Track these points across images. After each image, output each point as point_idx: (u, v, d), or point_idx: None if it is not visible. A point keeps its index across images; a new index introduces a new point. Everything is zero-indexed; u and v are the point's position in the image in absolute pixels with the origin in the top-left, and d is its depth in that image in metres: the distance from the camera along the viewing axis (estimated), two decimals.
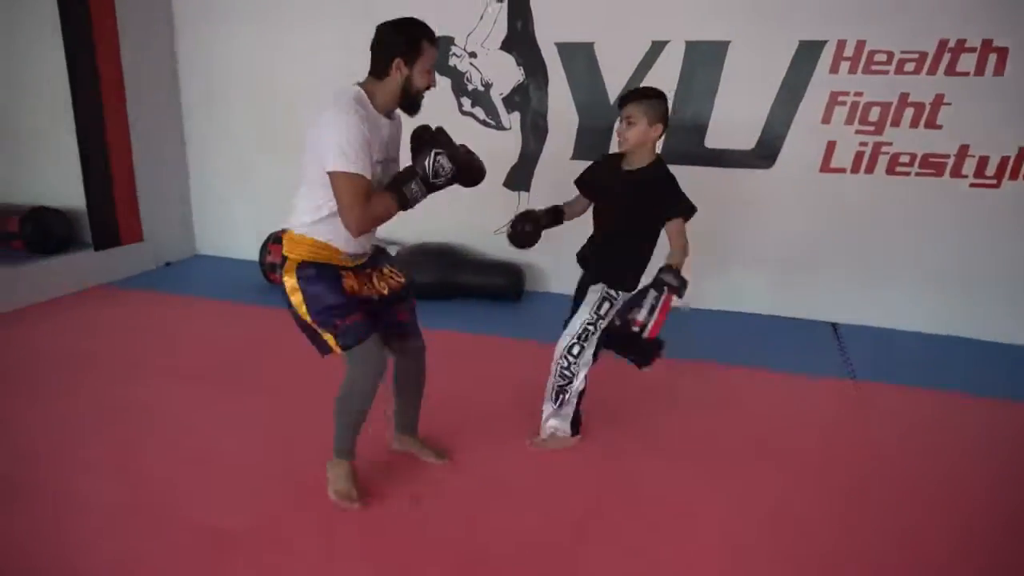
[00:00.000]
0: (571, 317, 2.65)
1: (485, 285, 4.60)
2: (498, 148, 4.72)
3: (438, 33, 4.90)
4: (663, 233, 2.47)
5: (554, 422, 2.73)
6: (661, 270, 2.33)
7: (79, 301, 4.46)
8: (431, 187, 2.05)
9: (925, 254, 4.11)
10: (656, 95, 2.41)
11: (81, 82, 4.69)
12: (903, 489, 2.54)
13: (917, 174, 4.00)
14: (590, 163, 2.77)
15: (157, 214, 5.32)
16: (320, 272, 2.10)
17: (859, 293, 4.30)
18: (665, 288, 2.29)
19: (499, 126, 4.71)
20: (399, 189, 2.01)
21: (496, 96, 4.64)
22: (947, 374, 3.59)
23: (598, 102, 4.43)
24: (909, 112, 3.91)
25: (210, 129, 5.46)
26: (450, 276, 4.56)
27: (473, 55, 4.58)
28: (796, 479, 2.59)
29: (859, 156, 4.08)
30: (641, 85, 2.58)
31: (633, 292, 2.44)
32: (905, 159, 4.00)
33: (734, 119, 4.21)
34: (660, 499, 2.45)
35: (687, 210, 2.42)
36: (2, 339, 3.79)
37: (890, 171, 4.04)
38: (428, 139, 2.08)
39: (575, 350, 2.58)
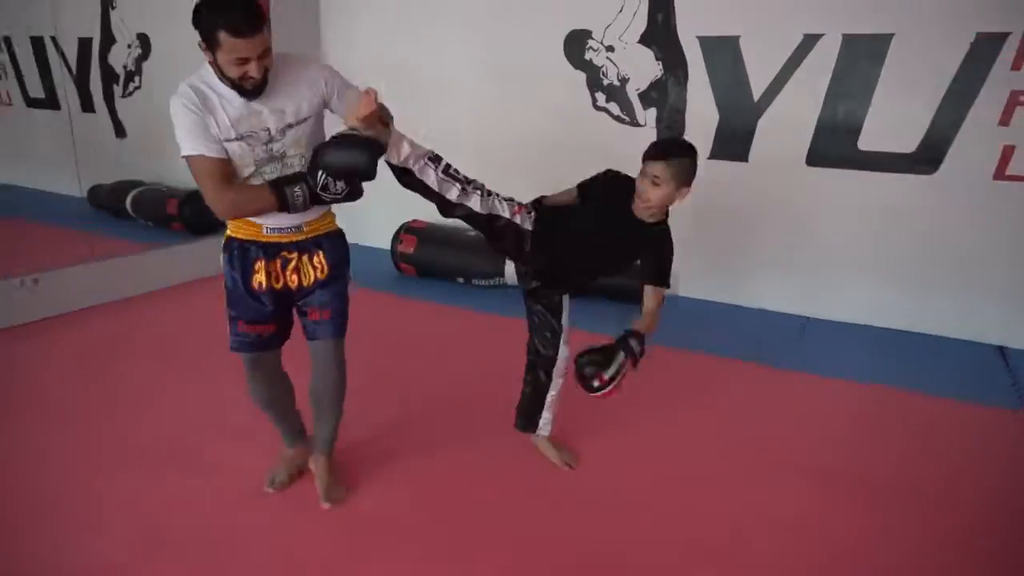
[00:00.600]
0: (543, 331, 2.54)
1: (612, 285, 4.50)
2: (632, 144, 4.55)
3: (576, 27, 4.82)
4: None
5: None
6: (629, 335, 2.15)
7: (211, 285, 4.75)
8: (316, 198, 1.96)
9: None
10: (689, 152, 2.12)
11: None
12: None
13: None
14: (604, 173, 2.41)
15: None
16: (235, 258, 2.08)
17: None
18: (630, 352, 2.12)
19: (634, 122, 4.57)
20: (281, 189, 1.92)
21: (632, 91, 4.50)
22: None
23: (741, 99, 4.21)
24: None
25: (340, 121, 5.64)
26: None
27: (610, 49, 4.46)
28: (947, 514, 2.35)
29: None
30: (672, 137, 2.33)
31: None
32: None
33: (893, 120, 3.86)
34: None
35: (665, 284, 2.25)
36: (167, 311, 4.16)
37: None
38: (322, 151, 1.91)
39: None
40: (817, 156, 4.08)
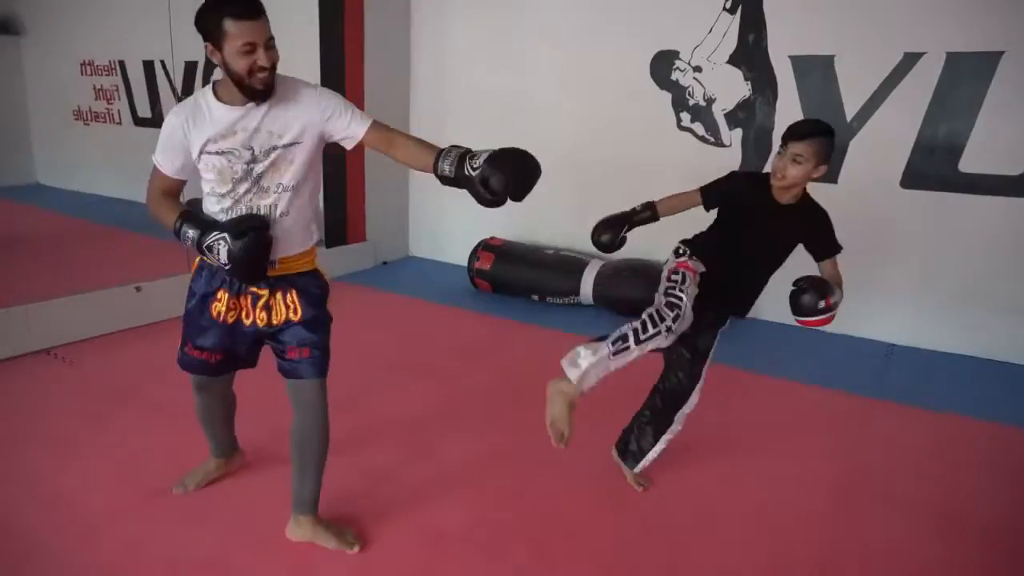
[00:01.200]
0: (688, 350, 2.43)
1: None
2: (715, 165, 4.49)
3: (664, 47, 4.82)
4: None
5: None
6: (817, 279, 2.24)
7: None
8: (197, 246, 1.87)
9: None
10: (829, 131, 2.18)
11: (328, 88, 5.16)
12: None
13: None
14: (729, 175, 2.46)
15: (379, 217, 5.74)
16: (203, 279, 2.03)
17: None
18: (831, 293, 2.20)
19: (718, 143, 4.51)
20: (178, 222, 1.89)
21: (718, 111, 4.45)
22: None
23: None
24: None
25: (429, 134, 5.74)
26: (652, 293, 4.42)
27: (698, 69, 4.43)
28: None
29: None
30: (809, 118, 2.35)
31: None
32: None
33: (998, 141, 3.68)
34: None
35: (840, 248, 2.32)
36: None
37: None
38: (225, 225, 1.84)
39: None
40: (913, 178, 3.93)
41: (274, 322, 2.00)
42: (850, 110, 4.03)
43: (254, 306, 2.00)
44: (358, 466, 2.62)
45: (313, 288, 2.05)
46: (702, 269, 2.31)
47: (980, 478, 2.71)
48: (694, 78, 4.46)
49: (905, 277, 4.09)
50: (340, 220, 5.46)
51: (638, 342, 2.17)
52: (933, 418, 3.20)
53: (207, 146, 1.86)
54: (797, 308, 2.21)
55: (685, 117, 4.57)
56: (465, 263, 5.07)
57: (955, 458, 2.86)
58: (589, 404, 2.27)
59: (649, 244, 4.74)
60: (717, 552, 2.22)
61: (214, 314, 2.01)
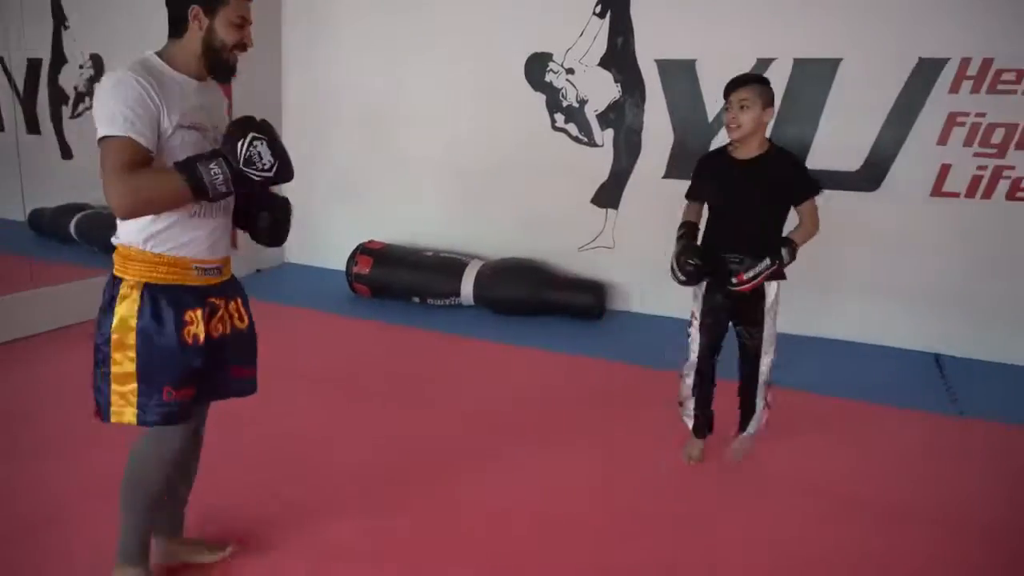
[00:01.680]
0: (719, 336, 2.62)
1: (569, 302, 4.54)
2: (589, 165, 4.69)
3: (537, 50, 4.93)
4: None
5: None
6: (783, 242, 2.37)
7: None
8: (240, 177, 1.58)
9: None
10: (764, 80, 2.37)
11: None
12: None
13: None
14: (695, 175, 2.64)
15: None
16: (162, 307, 1.66)
17: (967, 324, 4.03)
18: (779, 260, 2.34)
19: (591, 143, 4.66)
20: (192, 167, 1.54)
21: (591, 112, 4.60)
22: None
23: (696, 120, 4.35)
24: None
25: (307, 139, 5.61)
26: (535, 293, 4.51)
27: (570, 71, 4.57)
28: (899, 523, 2.41)
29: (976, 180, 3.85)
30: (743, 73, 2.44)
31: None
32: None
33: (840, 139, 4.05)
34: (764, 548, 2.32)
35: (817, 188, 2.41)
36: None
37: (1011, 196, 3.80)
38: (243, 122, 1.63)
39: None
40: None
41: (225, 333, 1.82)
42: (712, 112, 4.30)
43: (211, 318, 1.77)
44: (238, 483, 2.48)
45: (246, 297, 1.94)
46: (700, 282, 2.54)
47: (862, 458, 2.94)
48: (567, 80, 4.59)
49: None
50: None
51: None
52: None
53: (183, 119, 1.61)
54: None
55: (559, 118, 4.69)
56: (343, 268, 4.95)
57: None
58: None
59: (528, 243, 4.87)
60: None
61: (190, 340, 1.70)
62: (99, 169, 1.53)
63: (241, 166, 1.56)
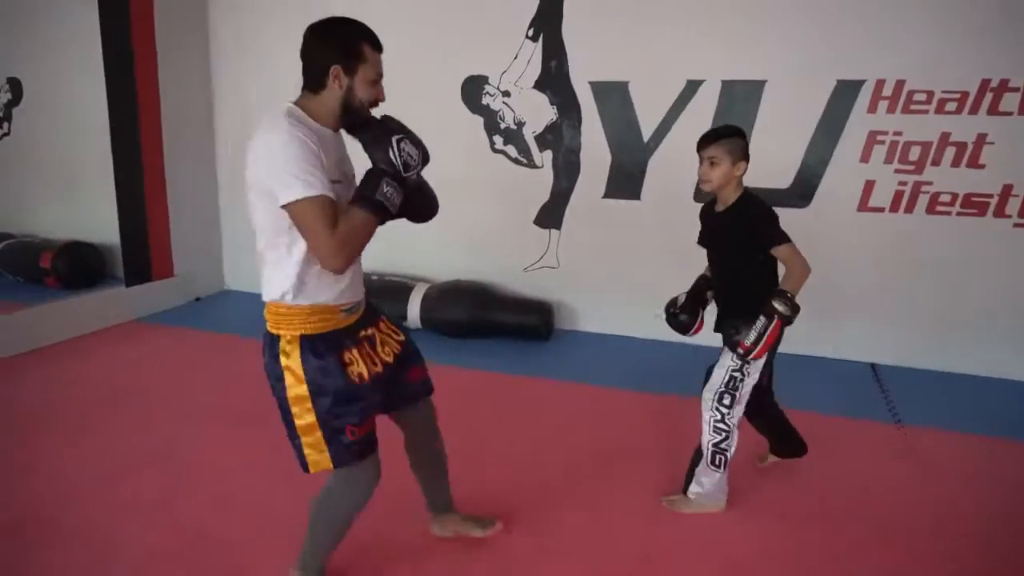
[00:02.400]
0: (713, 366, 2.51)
1: (515, 323, 4.56)
2: (529, 186, 4.73)
3: (473, 72, 4.97)
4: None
5: (708, 488, 2.51)
6: (773, 295, 2.24)
7: (110, 337, 4.46)
8: (404, 183, 1.67)
9: (967, 294, 4.02)
10: (736, 132, 2.35)
11: (119, 118, 4.77)
12: (957, 540, 2.43)
13: (958, 213, 3.93)
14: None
15: (189, 249, 5.36)
16: (327, 356, 1.74)
17: (899, 333, 4.20)
18: (775, 315, 2.21)
19: (531, 164, 4.71)
20: (371, 198, 1.61)
21: (529, 134, 4.65)
22: (991, 418, 3.48)
23: (632, 140, 4.43)
24: (950, 151, 3.86)
25: (240, 161, 5.49)
26: (481, 313, 4.52)
27: (507, 94, 4.61)
28: (842, 530, 2.49)
29: (898, 195, 4.02)
30: (724, 124, 2.46)
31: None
32: (946, 198, 3.94)
33: (770, 158, 4.13)
34: (705, 552, 2.36)
35: (783, 238, 2.28)
36: (36, 376, 3.78)
37: (930, 210, 3.98)
38: (380, 128, 1.68)
39: (726, 400, 2.41)
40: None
41: (396, 354, 1.95)
42: (646, 132, 4.38)
43: (373, 349, 1.88)
44: (172, 523, 2.43)
45: (381, 310, 2.03)
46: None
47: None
48: (504, 102, 4.63)
49: None
50: (142, 254, 5.03)
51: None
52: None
53: (333, 173, 1.66)
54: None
55: (498, 140, 4.72)
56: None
57: None
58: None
59: (473, 265, 4.88)
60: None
61: (356, 380, 1.77)
62: (265, 232, 1.67)
63: (403, 173, 1.65)
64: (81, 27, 4.74)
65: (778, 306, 2.21)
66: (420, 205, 1.90)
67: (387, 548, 2.31)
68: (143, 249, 5.02)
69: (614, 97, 4.41)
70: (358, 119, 1.72)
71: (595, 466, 2.91)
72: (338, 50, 1.66)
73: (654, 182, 4.45)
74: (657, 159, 4.41)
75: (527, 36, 4.48)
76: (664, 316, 2.66)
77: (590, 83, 4.44)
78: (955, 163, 3.87)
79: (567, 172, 4.64)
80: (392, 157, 1.63)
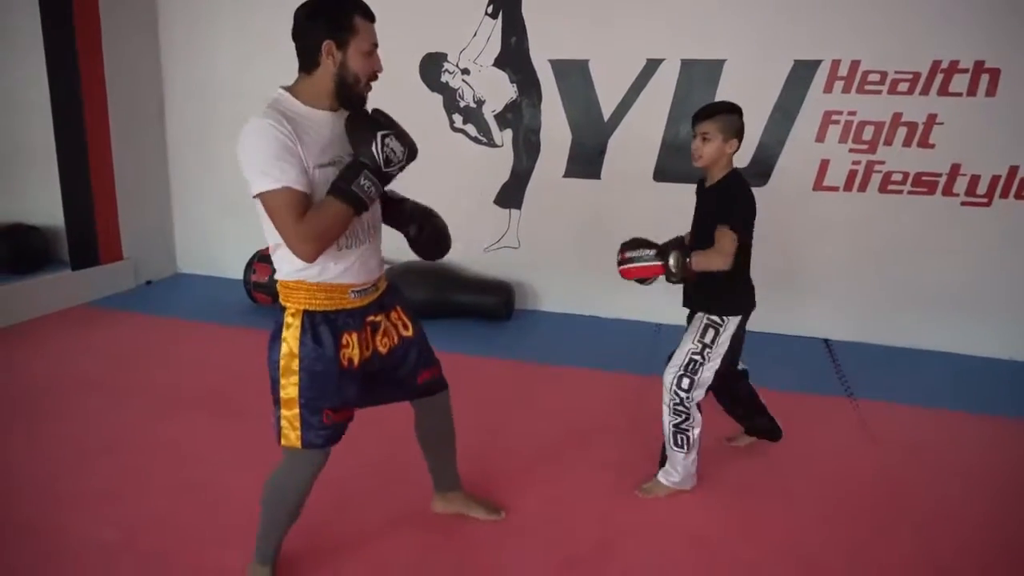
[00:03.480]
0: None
1: (475, 304, 4.54)
2: (489, 165, 4.68)
3: (431, 50, 4.88)
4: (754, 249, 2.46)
5: (676, 471, 2.51)
6: (679, 246, 2.28)
7: (57, 322, 4.31)
8: (385, 178, 1.68)
9: (918, 270, 4.13)
10: (731, 109, 2.37)
11: (62, 97, 4.59)
12: (917, 511, 2.51)
13: (910, 192, 4.03)
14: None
15: (138, 232, 5.18)
16: (321, 334, 1.77)
17: (852, 309, 4.30)
18: (661, 259, 2.27)
19: (491, 143, 4.66)
20: (347, 189, 1.63)
21: (488, 113, 4.60)
22: (942, 391, 3.60)
23: (592, 119, 4.42)
24: (902, 131, 3.94)
25: (194, 145, 5.36)
26: (440, 295, 4.49)
27: (466, 72, 4.54)
28: (801, 505, 2.55)
29: (852, 174, 4.09)
30: (714, 101, 2.50)
31: (738, 316, 2.41)
32: (898, 177, 4.02)
33: None
34: (668, 528, 2.40)
35: (735, 223, 2.25)
36: None
37: (883, 189, 4.06)
38: (366, 122, 1.70)
39: (684, 383, 2.41)
40: (663, 172, 4.36)
41: (392, 345, 1.95)
42: (607, 111, 4.38)
43: (373, 336, 1.90)
44: (127, 514, 2.36)
45: (404, 297, 2.05)
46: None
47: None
48: (463, 80, 4.56)
49: None
50: (88, 236, 4.85)
51: None
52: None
53: (320, 158, 1.67)
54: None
55: (457, 119, 4.66)
56: (241, 277, 4.76)
57: None
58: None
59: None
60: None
61: (346, 364, 1.81)
62: (266, 219, 1.66)
63: (383, 168, 1.65)
64: (21, 6, 4.53)
65: (671, 260, 2.25)
66: (431, 243, 1.98)
67: (347, 532, 2.29)
68: (90, 232, 4.84)
69: (574, 76, 4.38)
70: (354, 94, 1.73)
71: (557, 446, 2.92)
72: (328, 24, 1.66)
73: (614, 161, 4.45)
74: (617, 138, 4.41)
75: (486, 13, 4.42)
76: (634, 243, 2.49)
77: (550, 61, 4.41)
78: (907, 143, 3.96)
79: (527, 151, 4.61)
80: (375, 151, 1.64)
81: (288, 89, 1.73)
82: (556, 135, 4.52)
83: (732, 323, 2.41)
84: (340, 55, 1.67)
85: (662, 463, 2.57)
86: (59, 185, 4.69)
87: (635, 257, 2.32)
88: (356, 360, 1.83)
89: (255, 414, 3.11)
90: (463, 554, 2.21)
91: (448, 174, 4.73)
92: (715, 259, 2.24)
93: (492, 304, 4.54)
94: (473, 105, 4.61)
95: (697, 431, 2.46)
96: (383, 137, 1.65)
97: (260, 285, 4.64)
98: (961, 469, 2.83)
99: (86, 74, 4.63)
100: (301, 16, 1.69)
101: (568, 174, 4.56)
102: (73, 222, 4.76)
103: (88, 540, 2.21)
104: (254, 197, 1.61)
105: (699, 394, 2.44)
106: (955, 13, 3.73)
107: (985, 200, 3.93)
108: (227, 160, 5.30)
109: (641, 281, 2.38)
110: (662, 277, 2.34)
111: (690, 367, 2.41)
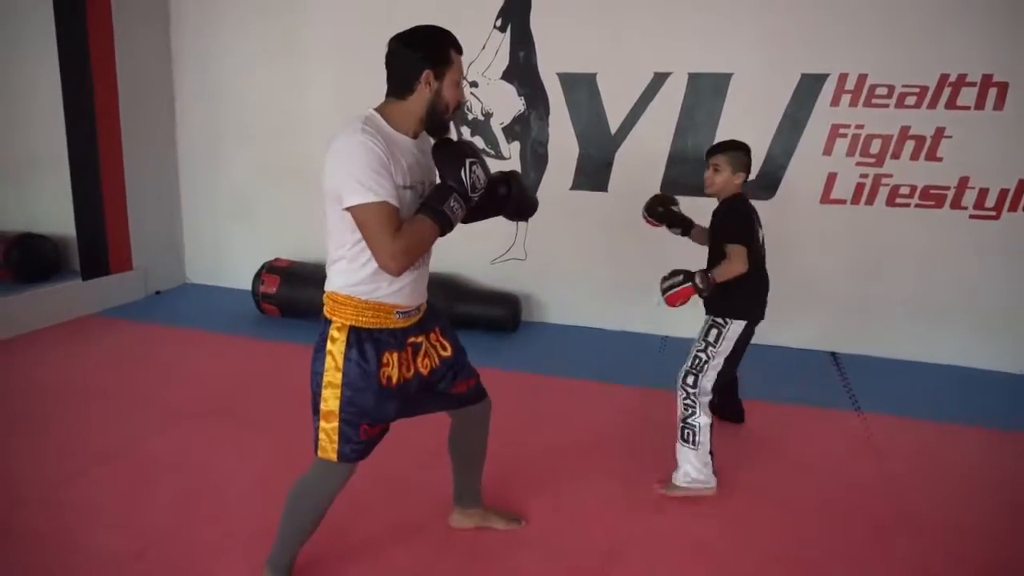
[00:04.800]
0: None
1: (482, 315, 4.54)
2: None
3: None
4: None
5: (689, 469, 2.60)
6: (701, 270, 2.54)
7: (66, 332, 4.33)
8: (469, 203, 1.76)
9: (925, 284, 4.11)
10: (740, 147, 2.67)
11: (75, 107, 4.64)
12: (920, 524, 2.49)
13: (917, 205, 4.02)
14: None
15: (148, 242, 5.22)
16: (367, 350, 1.80)
17: (859, 322, 4.29)
18: (690, 281, 2.50)
19: (498, 155, 4.68)
20: (438, 209, 1.70)
21: (496, 125, 4.63)
22: (948, 404, 3.58)
23: (599, 132, 4.43)
24: (910, 144, 3.94)
25: (204, 155, 5.40)
26: (447, 306, 4.48)
27: (474, 84, 4.57)
28: (806, 516, 2.53)
29: (859, 188, 4.09)
30: (724, 139, 2.82)
31: (746, 320, 2.64)
32: (905, 191, 4.02)
33: None
34: (673, 538, 2.39)
35: (736, 238, 2.55)
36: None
37: (890, 203, 4.06)
38: (455, 149, 1.78)
39: (689, 380, 2.62)
40: (670, 184, 4.36)
41: (433, 367, 1.98)
42: (614, 124, 4.39)
43: (414, 358, 1.93)
44: (131, 524, 2.37)
45: (443, 317, 2.09)
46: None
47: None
48: (471, 93, 4.59)
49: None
50: (99, 247, 4.89)
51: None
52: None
53: (404, 180, 1.72)
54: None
55: (465, 131, 4.69)
56: (249, 287, 4.79)
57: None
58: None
59: (439, 256, 4.83)
60: None
61: (384, 382, 1.83)
62: (336, 231, 1.75)
63: (468, 193, 1.73)
64: (35, 13, 4.60)
65: (697, 279, 2.50)
66: (521, 199, 2.02)
67: (356, 541, 2.29)
68: (100, 241, 4.88)
69: (582, 89, 4.41)
70: (443, 122, 1.80)
71: (562, 457, 2.92)
72: (428, 55, 1.74)
73: (621, 174, 4.46)
74: (624, 151, 4.42)
75: (495, 26, 4.45)
76: (658, 196, 3.11)
77: (558, 74, 4.44)
78: (914, 156, 3.96)
79: (535, 163, 4.63)
80: (463, 177, 1.72)
81: (378, 111, 1.77)
82: (563, 148, 4.54)
83: (736, 326, 2.63)
84: (437, 84, 1.75)
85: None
86: (70, 194, 4.73)
87: (671, 285, 2.55)
88: (395, 379, 1.85)
89: (262, 424, 3.15)
90: (468, 564, 2.21)
91: None
92: (730, 269, 2.52)
93: (499, 316, 4.54)
94: (481, 118, 4.64)
95: (704, 429, 2.59)
96: (471, 164, 1.73)
97: (268, 296, 4.66)
98: (964, 482, 2.82)
99: (99, 83, 4.69)
100: (399, 45, 1.76)
101: (575, 186, 4.57)
102: (84, 231, 4.80)
103: (98, 549, 2.22)
104: (345, 209, 1.66)
105: (706, 388, 2.62)
106: (962, 27, 3.74)
107: (994, 213, 3.92)
108: (237, 170, 5.38)
109: (683, 303, 2.57)
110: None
111: (695, 365, 2.63)
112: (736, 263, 2.51)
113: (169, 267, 5.52)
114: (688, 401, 2.61)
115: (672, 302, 2.57)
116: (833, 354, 4.30)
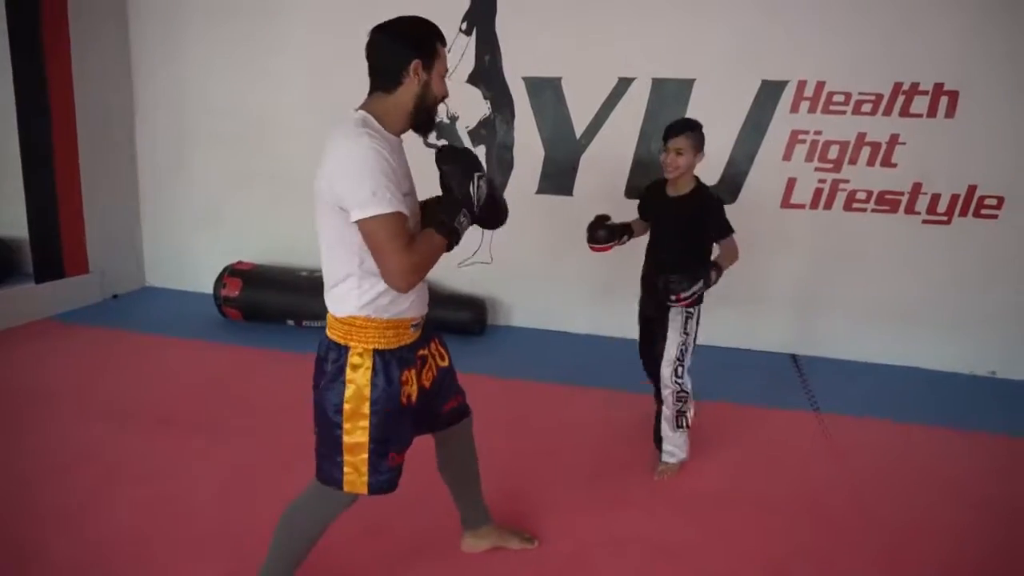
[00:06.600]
0: (651, 343, 2.84)
1: (449, 319, 4.53)
2: None
3: None
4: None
5: (676, 450, 2.82)
6: (713, 266, 2.57)
7: (20, 336, 4.21)
8: (473, 218, 1.71)
9: (881, 287, 4.22)
10: (698, 125, 2.67)
11: (28, 105, 4.50)
12: (881, 521, 2.55)
13: (873, 210, 4.13)
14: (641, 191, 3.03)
15: (105, 244, 5.10)
16: (392, 373, 1.70)
17: (818, 325, 4.38)
18: (709, 282, 2.54)
19: None
20: (451, 225, 1.64)
21: (462, 129, 4.62)
22: (904, 405, 3.67)
23: (564, 136, 4.46)
24: (866, 151, 4.05)
25: (165, 155, 5.30)
26: None
27: None
28: (770, 516, 2.58)
29: (818, 192, 4.18)
30: (685, 117, 2.87)
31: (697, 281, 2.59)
32: (862, 196, 4.12)
33: None
34: (638, 541, 2.41)
35: (729, 231, 2.67)
36: None
37: (848, 207, 4.16)
38: (465, 161, 1.72)
39: (679, 371, 2.75)
40: (634, 189, 4.40)
41: (435, 379, 1.91)
42: (579, 128, 4.43)
43: (422, 371, 1.85)
44: (91, 532, 2.31)
45: (440, 332, 2.02)
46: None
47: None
48: None
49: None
50: (53, 249, 4.75)
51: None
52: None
53: (404, 185, 1.63)
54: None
55: (431, 135, 4.67)
56: (211, 291, 4.70)
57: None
58: None
59: None
60: None
61: (405, 401, 1.74)
62: (342, 249, 1.62)
63: (475, 207, 1.70)
64: None
65: (714, 275, 2.55)
66: (494, 213, 1.91)
67: (343, 563, 2.26)
68: (55, 244, 4.75)
69: (547, 93, 4.43)
70: (430, 117, 1.73)
71: (528, 460, 2.93)
72: (415, 45, 1.65)
73: (586, 178, 4.49)
74: (589, 155, 4.45)
75: (460, 30, 4.45)
76: (591, 223, 2.94)
77: (523, 78, 4.45)
78: (870, 162, 4.06)
79: (500, 168, 4.64)
80: (471, 191, 1.68)
81: (367, 110, 1.66)
82: (529, 152, 4.56)
83: (699, 310, 2.78)
84: (425, 75, 1.66)
85: (659, 444, 2.87)
86: (23, 195, 4.59)
87: (694, 292, 2.50)
88: (414, 396, 1.78)
89: (222, 429, 3.11)
90: (432, 573, 2.20)
91: (420, 190, 4.71)
92: (735, 258, 2.67)
93: (465, 319, 4.54)
94: (447, 121, 4.64)
95: (692, 411, 2.81)
96: (479, 178, 1.70)
97: (230, 300, 4.59)
98: (922, 480, 2.89)
99: (53, 83, 4.57)
100: (384, 36, 1.66)
101: (541, 190, 4.59)
102: (37, 233, 4.66)
103: (51, 558, 2.16)
104: (354, 221, 1.54)
105: (688, 371, 2.78)
106: (916, 37, 3.86)
107: (945, 218, 4.04)
108: (198, 172, 5.28)
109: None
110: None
111: (681, 357, 2.75)
112: (737, 251, 2.65)
113: (127, 270, 5.40)
114: (681, 393, 2.75)
115: (688, 305, 2.65)
116: (793, 356, 4.39)
